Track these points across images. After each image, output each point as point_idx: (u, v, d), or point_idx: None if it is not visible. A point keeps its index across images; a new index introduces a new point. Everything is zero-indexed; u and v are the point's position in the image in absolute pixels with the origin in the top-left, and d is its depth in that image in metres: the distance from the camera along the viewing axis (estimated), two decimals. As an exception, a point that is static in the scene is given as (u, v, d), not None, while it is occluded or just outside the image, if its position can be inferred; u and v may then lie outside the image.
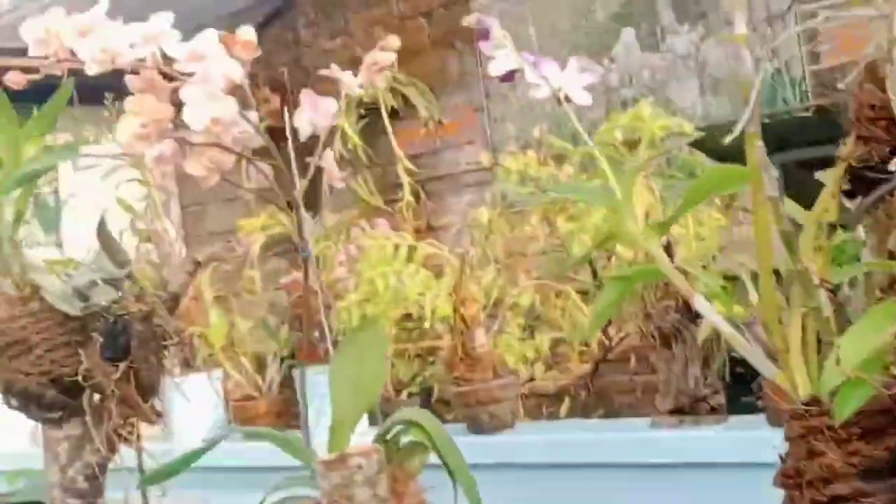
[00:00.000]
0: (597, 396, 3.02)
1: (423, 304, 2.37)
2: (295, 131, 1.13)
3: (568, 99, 1.08)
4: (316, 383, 1.13)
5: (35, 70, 1.10)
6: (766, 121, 3.23)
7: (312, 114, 1.17)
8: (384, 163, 4.47)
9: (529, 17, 4.18)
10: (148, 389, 1.22)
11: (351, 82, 1.15)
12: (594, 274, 2.98)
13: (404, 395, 2.58)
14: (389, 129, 4.29)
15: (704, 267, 2.28)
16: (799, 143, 2.95)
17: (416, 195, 4.31)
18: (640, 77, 3.94)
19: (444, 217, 4.49)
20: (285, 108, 1.31)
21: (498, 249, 3.12)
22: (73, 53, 1.07)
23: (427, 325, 2.34)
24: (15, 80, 1.09)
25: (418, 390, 2.63)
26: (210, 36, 1.07)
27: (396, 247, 2.58)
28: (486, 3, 4.27)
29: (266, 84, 4.93)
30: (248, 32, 1.09)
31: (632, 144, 3.04)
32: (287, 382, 2.63)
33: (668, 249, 2.34)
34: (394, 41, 1.18)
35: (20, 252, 1.20)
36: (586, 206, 2.67)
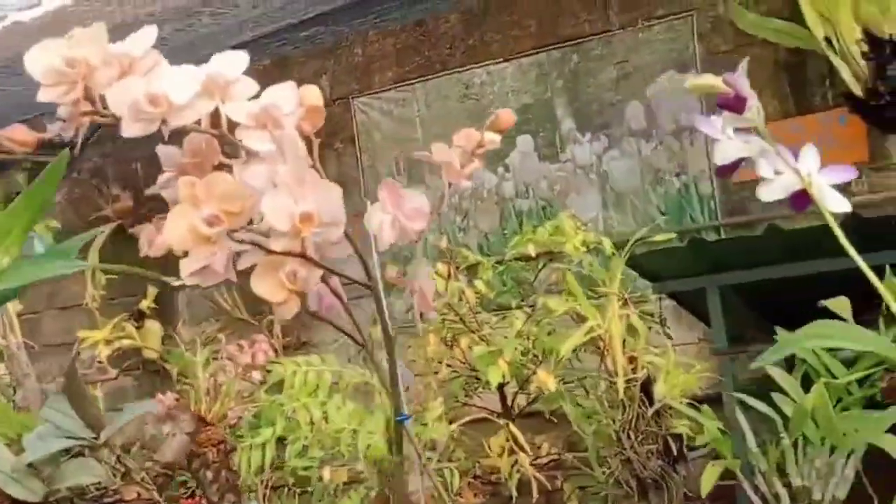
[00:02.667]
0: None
1: (354, 441, 1.96)
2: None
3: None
4: None
5: (41, 128, 0.75)
6: (707, 240, 3.01)
7: (397, 215, 0.82)
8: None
9: (416, 119, 3.89)
10: None
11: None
12: (503, 401, 2.64)
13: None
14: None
15: (697, 405, 2.00)
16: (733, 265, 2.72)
17: (288, 308, 3.89)
18: (536, 187, 3.68)
19: (317, 333, 4.07)
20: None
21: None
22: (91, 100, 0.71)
23: (360, 466, 1.93)
24: (21, 140, 0.73)
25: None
26: (286, 91, 0.76)
27: (319, 374, 2.18)
28: (367, 102, 3.97)
29: (117, 180, 4.48)
30: (313, 93, 0.78)
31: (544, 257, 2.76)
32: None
33: (647, 386, 2.04)
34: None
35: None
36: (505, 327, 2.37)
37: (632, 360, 2.10)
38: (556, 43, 3.66)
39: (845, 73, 2.96)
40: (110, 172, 4.41)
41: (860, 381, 1.86)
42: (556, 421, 2.45)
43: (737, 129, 0.88)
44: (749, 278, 2.64)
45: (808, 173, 0.86)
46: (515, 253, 2.63)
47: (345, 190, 3.18)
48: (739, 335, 2.83)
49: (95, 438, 0.79)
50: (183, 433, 1.41)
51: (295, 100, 0.76)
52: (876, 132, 3.01)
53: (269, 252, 0.72)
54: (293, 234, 0.71)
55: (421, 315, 0.84)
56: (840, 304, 1.89)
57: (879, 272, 2.61)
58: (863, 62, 2.94)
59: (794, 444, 1.78)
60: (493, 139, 0.93)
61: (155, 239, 0.80)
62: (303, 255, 0.73)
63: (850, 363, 1.90)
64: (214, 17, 4.17)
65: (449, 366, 2.62)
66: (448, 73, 3.85)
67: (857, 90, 2.95)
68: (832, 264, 2.61)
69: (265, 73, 4.27)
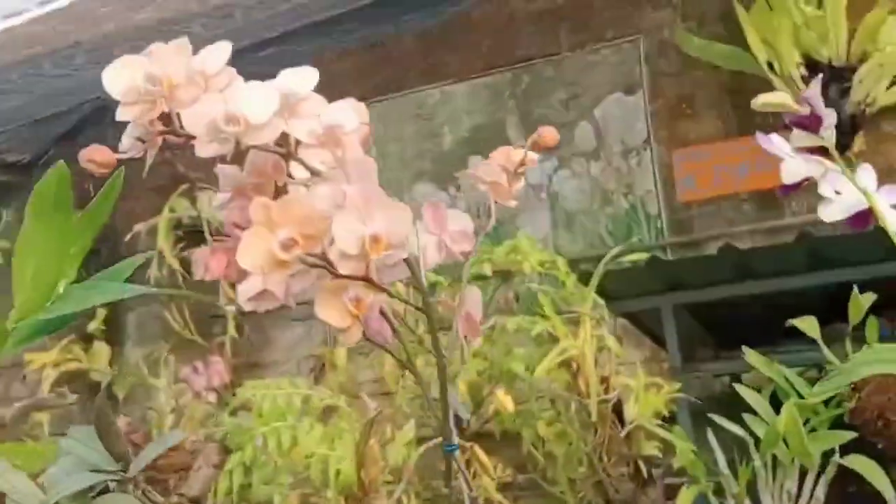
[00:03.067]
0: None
1: (324, 466, 1.96)
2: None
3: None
4: None
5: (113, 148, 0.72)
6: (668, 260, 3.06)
7: (442, 236, 0.82)
8: (201, 291, 4.02)
9: (370, 139, 3.92)
10: None
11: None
12: (457, 422, 2.65)
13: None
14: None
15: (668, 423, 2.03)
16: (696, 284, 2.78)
17: (240, 328, 3.89)
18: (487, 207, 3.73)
19: (268, 353, 4.06)
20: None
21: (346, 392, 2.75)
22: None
23: (330, 495, 1.92)
24: (102, 161, 0.71)
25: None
26: (348, 109, 0.74)
27: (288, 397, 2.18)
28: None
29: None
30: (361, 109, 0.77)
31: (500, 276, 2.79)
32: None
33: (618, 407, 2.08)
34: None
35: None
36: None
37: (603, 380, 2.13)
38: (507, 64, 3.73)
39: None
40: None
41: (826, 401, 1.91)
42: (499, 440, 2.48)
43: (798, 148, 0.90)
44: (708, 297, 2.70)
45: (869, 193, 0.88)
46: (473, 272, 2.66)
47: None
48: (691, 355, 2.89)
49: (124, 472, 0.79)
50: (209, 466, 1.40)
51: (357, 118, 0.78)
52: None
53: (336, 276, 0.69)
54: (361, 257, 0.69)
55: (465, 339, 0.85)
56: (808, 323, 1.95)
57: (834, 290, 2.69)
58: (803, 86, 3.04)
59: (765, 466, 1.82)
60: (533, 158, 0.94)
61: (210, 263, 0.80)
62: (367, 279, 0.72)
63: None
64: (181, 35, 4.16)
65: (404, 387, 2.64)
66: (403, 93, 3.89)
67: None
68: (789, 283, 2.71)
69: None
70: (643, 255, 2.51)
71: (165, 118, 0.74)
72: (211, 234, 3.02)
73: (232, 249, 0.76)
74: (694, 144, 3.34)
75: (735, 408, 2.84)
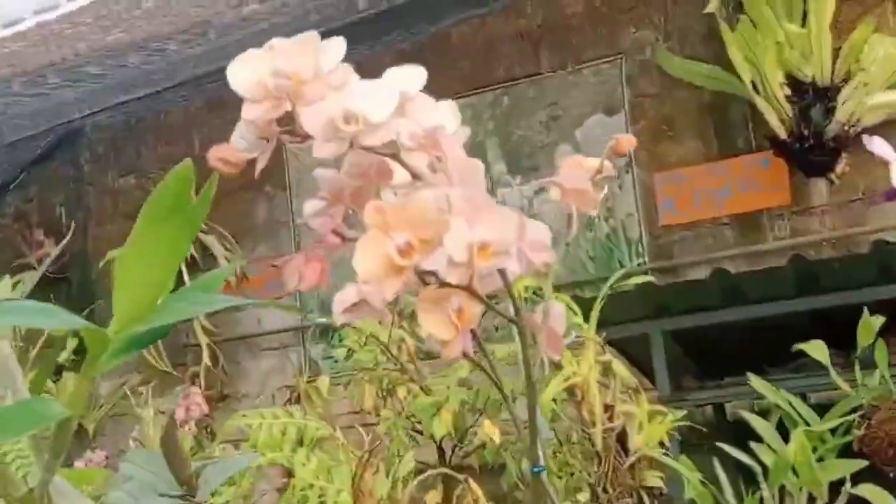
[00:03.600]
0: None
1: (322, 499, 1.88)
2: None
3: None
4: None
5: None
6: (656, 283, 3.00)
7: (521, 246, 0.76)
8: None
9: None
10: None
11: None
12: (440, 453, 2.59)
13: None
14: (187, 280, 3.81)
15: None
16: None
17: (214, 359, 3.80)
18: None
19: (242, 384, 3.97)
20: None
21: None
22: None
23: None
24: (234, 161, 0.65)
25: None
26: (448, 110, 0.69)
27: (285, 426, 2.11)
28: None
29: (40, 226, 4.35)
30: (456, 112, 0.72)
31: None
32: None
33: (622, 436, 2.00)
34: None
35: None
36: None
37: (607, 408, 2.06)
38: (487, 85, 3.67)
39: (770, 117, 3.01)
40: (34, 218, 4.28)
41: (833, 429, 1.85)
42: (478, 471, 2.41)
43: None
44: (699, 322, 2.65)
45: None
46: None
47: (276, 235, 3.12)
48: (678, 383, 2.83)
49: (191, 497, 0.74)
50: (273, 489, 1.33)
51: (458, 119, 0.73)
52: (799, 175, 3.06)
53: (443, 284, 0.66)
54: (468, 265, 0.66)
55: (548, 355, 0.79)
56: (817, 348, 1.89)
57: (822, 315, 2.63)
58: (787, 105, 3.00)
59: (773, 496, 1.76)
60: (609, 166, 0.88)
61: (304, 272, 0.75)
62: (471, 290, 0.67)
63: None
64: (155, 54, 4.09)
65: (386, 418, 2.56)
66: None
67: (782, 133, 3.01)
68: (781, 307, 2.66)
69: (196, 115, 4.20)
70: (646, 279, 2.44)
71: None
72: (186, 260, 2.93)
73: (325, 258, 0.72)
74: (675, 167, 3.30)
75: (721, 437, 2.76)
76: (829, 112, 2.93)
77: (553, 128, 3.55)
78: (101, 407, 3.68)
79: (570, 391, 2.20)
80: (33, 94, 4.36)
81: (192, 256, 3.81)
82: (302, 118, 0.66)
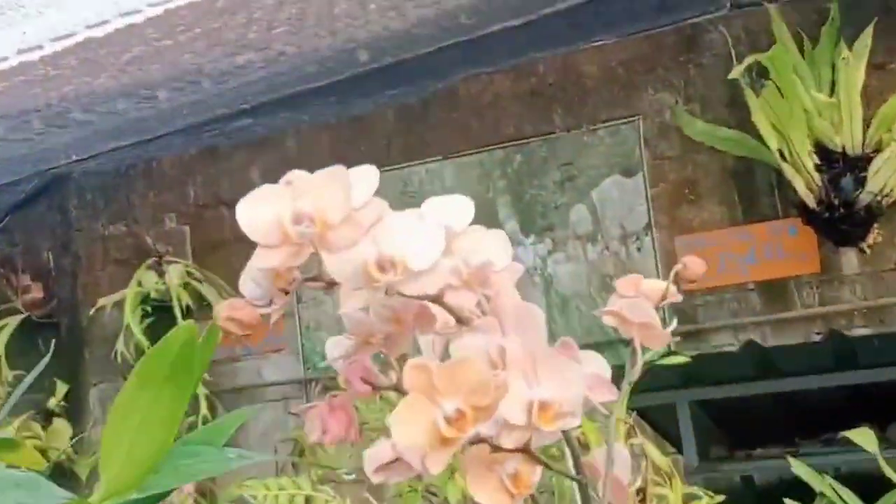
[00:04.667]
0: None
1: None
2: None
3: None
4: None
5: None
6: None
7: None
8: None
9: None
10: None
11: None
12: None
13: None
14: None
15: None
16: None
17: (212, 408, 3.65)
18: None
19: (242, 436, 3.82)
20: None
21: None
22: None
23: None
24: (248, 322, 0.56)
25: None
26: (497, 242, 0.60)
27: (292, 497, 1.97)
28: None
29: (26, 270, 4.17)
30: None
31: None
32: None
33: None
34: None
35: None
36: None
37: (640, 491, 1.96)
38: (497, 142, 3.61)
39: (798, 185, 2.97)
40: (20, 262, 4.11)
41: None
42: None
43: None
44: (727, 394, 2.58)
45: None
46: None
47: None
48: (705, 453, 2.75)
49: None
50: None
51: (508, 253, 0.62)
52: (828, 244, 3.02)
53: (497, 449, 0.56)
54: (525, 427, 0.56)
55: None
56: (864, 435, 1.81)
57: (862, 391, 2.57)
58: (816, 174, 2.96)
59: None
60: (674, 292, 0.76)
61: (329, 423, 0.63)
62: (528, 452, 0.57)
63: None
64: (145, 102, 3.97)
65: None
66: (384, 169, 3.73)
67: (811, 202, 2.97)
68: (812, 382, 2.59)
69: (190, 163, 4.08)
70: (682, 360, 2.35)
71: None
72: (181, 310, 2.80)
73: (351, 409, 0.63)
74: (697, 231, 3.24)
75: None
76: (860, 182, 2.89)
77: (568, 188, 3.49)
78: (94, 454, 3.50)
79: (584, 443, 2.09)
80: (18, 140, 4.21)
81: (187, 307, 3.67)
82: (328, 264, 0.56)
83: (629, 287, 0.79)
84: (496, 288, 0.61)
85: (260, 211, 0.55)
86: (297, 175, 0.56)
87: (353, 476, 2.74)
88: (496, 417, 0.55)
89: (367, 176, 0.58)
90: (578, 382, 0.59)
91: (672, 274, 0.78)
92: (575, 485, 0.69)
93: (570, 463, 0.68)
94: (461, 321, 0.59)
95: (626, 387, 0.76)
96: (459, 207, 0.60)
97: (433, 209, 0.60)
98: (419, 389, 0.54)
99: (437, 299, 0.58)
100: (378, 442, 0.64)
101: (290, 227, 0.54)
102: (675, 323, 0.77)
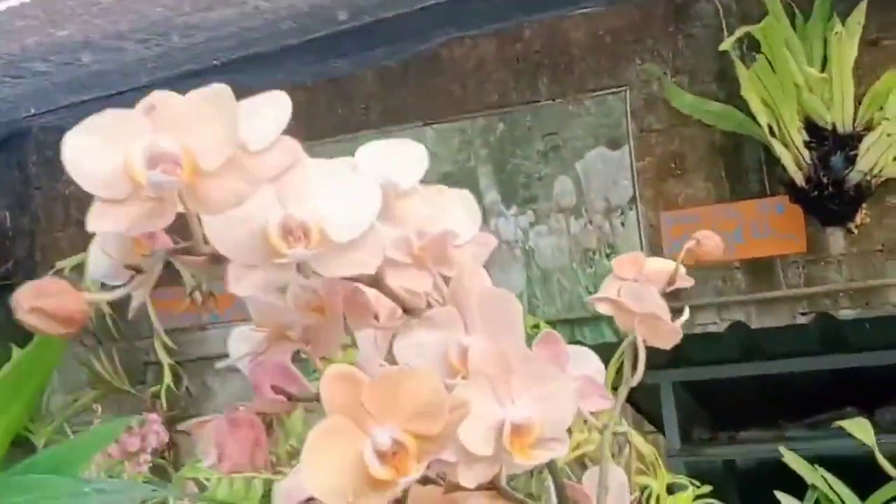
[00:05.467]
0: None
1: None
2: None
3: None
4: None
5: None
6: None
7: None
8: (132, 337, 3.66)
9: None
10: None
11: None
12: None
13: None
14: (147, 297, 3.54)
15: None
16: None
17: (176, 378, 3.55)
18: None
19: (207, 406, 3.73)
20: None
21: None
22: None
23: None
24: (66, 315, 0.39)
25: None
26: (460, 207, 0.49)
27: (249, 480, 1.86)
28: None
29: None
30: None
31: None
32: None
33: None
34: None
35: None
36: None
37: None
38: (480, 109, 3.51)
39: (787, 162, 2.92)
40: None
41: None
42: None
43: None
44: (712, 375, 2.54)
45: None
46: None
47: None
48: (687, 435, 2.71)
49: None
50: None
51: (476, 223, 0.50)
52: (815, 223, 2.97)
53: (456, 488, 0.43)
54: (493, 458, 0.42)
55: None
56: (860, 426, 1.77)
57: (849, 373, 2.54)
58: (805, 151, 2.91)
59: None
60: (683, 273, 0.65)
61: (228, 447, 0.51)
62: (497, 488, 0.45)
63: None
64: (106, 54, 3.82)
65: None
66: (363, 133, 3.63)
67: (800, 179, 2.92)
68: (798, 365, 2.56)
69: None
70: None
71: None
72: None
73: (259, 424, 0.51)
74: (683, 207, 3.18)
75: (730, 491, 2.63)
76: (850, 160, 2.85)
77: (552, 159, 3.41)
78: (52, 422, 3.39)
79: (581, 460, 2.03)
80: (-26, 90, 4.05)
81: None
82: (209, 230, 0.41)
83: (629, 267, 0.66)
84: (458, 267, 0.48)
85: (95, 147, 0.39)
86: (161, 98, 0.40)
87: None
88: (454, 445, 0.42)
89: (272, 104, 0.41)
90: (567, 397, 0.45)
91: (682, 252, 0.66)
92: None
93: (553, 500, 0.55)
94: (409, 311, 0.45)
95: (622, 396, 0.66)
96: (408, 156, 0.46)
97: (371, 157, 0.45)
98: (342, 410, 0.40)
99: (375, 281, 0.43)
100: (291, 473, 0.48)
101: (141, 172, 0.38)
102: (686, 314, 0.65)
